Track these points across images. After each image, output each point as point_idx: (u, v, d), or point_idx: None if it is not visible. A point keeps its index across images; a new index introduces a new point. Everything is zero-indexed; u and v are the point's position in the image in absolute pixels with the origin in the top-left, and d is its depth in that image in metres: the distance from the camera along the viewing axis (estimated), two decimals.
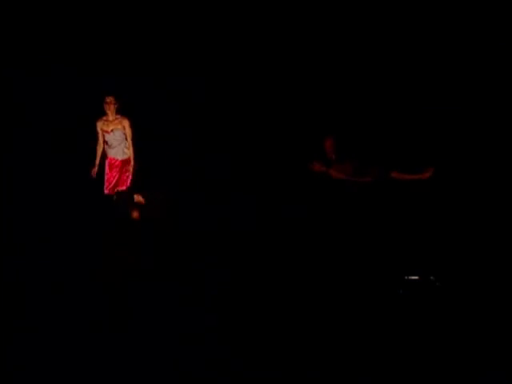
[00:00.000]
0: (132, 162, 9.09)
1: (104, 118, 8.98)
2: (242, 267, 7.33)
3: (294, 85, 9.91)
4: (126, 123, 8.96)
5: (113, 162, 9.07)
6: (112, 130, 8.93)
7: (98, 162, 9.02)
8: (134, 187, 9.01)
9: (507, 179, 8.76)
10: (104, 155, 9.12)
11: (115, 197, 9.12)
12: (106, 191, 9.11)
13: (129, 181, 9.13)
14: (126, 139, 9.03)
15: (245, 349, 5.56)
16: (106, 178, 9.10)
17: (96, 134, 9.02)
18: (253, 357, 5.43)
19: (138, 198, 9.16)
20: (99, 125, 8.99)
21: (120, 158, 9.11)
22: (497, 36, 9.26)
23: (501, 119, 9.32)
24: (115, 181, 9.09)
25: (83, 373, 5.19)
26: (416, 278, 7.07)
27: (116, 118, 8.94)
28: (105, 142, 9.07)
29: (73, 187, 9.05)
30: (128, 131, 8.98)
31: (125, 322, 6.04)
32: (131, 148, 9.09)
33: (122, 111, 8.93)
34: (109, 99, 8.89)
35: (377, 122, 9.70)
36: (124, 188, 9.13)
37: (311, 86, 9.90)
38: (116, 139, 9.00)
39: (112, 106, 8.87)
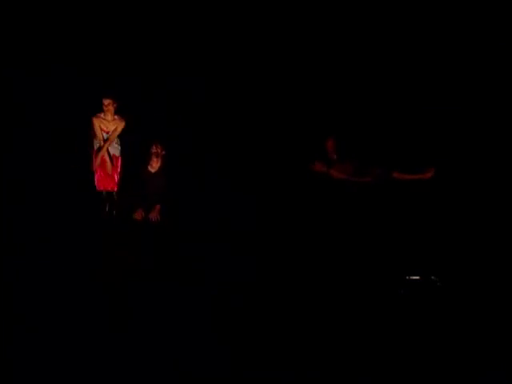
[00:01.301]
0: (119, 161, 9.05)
1: (102, 115, 8.85)
2: (242, 267, 7.26)
3: (295, 85, 9.85)
4: (120, 127, 8.86)
5: (103, 158, 8.97)
6: (108, 131, 8.87)
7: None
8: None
9: (508, 179, 8.75)
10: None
11: (104, 195, 9.09)
12: (97, 188, 9.02)
13: (117, 179, 9.07)
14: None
15: (245, 349, 5.55)
16: (96, 175, 8.97)
17: (92, 130, 8.92)
18: (253, 357, 5.43)
19: (153, 214, 8.91)
20: (97, 122, 8.88)
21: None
22: (496, 36, 9.26)
23: (502, 119, 9.25)
24: (104, 177, 9.00)
25: (83, 373, 5.17)
26: (417, 277, 7.09)
27: (114, 119, 8.88)
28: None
29: (72, 187, 8.97)
30: (118, 131, 8.87)
31: (125, 322, 6.02)
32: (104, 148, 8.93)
33: (120, 111, 8.87)
34: (107, 102, 8.78)
35: (378, 122, 9.61)
36: (114, 188, 9.06)
37: (312, 86, 9.81)
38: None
39: (111, 108, 8.78)
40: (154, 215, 8.88)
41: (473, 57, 9.41)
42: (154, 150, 9.12)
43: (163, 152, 9.17)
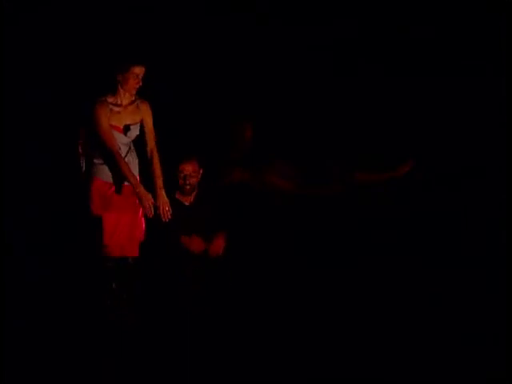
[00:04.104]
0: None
1: (110, 100, 5.35)
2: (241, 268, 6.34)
3: None
4: (148, 116, 5.51)
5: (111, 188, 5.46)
6: (126, 126, 5.42)
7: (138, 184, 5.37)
8: None
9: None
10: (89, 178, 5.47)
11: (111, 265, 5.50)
12: (106, 252, 5.43)
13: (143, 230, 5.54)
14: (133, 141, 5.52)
15: (245, 349, 5.42)
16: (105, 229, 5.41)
17: (99, 131, 5.33)
18: (252, 357, 5.29)
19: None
20: (103, 113, 5.30)
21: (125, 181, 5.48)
22: None
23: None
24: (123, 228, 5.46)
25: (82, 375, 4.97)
26: None
27: (132, 102, 5.43)
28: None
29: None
30: (149, 124, 5.51)
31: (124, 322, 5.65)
32: (156, 158, 5.46)
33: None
34: (139, 70, 5.33)
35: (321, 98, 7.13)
36: (134, 252, 5.52)
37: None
38: (126, 143, 5.46)
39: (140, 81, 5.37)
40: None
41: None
42: (186, 173, 6.01)
43: (201, 170, 6.08)
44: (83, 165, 5.53)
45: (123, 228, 5.44)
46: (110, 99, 5.38)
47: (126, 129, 5.43)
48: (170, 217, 5.52)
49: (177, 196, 6.11)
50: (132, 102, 5.43)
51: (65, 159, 6.36)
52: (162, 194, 5.48)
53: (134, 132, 5.46)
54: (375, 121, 7.18)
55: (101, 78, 5.70)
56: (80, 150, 5.54)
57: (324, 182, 6.76)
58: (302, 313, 6.18)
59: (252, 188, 6.61)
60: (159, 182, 5.48)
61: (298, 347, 5.56)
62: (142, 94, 5.60)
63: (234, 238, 6.19)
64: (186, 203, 6.17)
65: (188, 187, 6.06)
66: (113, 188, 5.43)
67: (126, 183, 5.44)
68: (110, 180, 5.44)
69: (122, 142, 5.41)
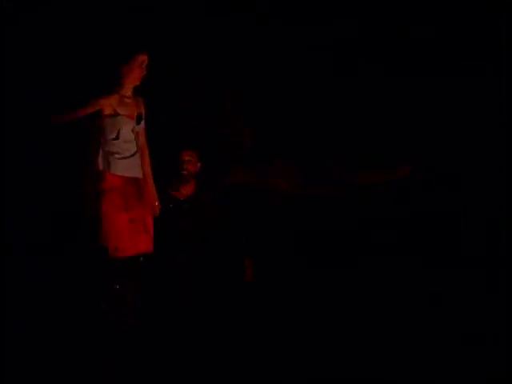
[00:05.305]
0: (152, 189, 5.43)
1: (120, 91, 5.29)
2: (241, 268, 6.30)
3: None
4: (142, 108, 5.41)
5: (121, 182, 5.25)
6: (138, 115, 5.40)
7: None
8: None
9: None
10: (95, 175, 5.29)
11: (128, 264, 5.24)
12: (114, 253, 5.16)
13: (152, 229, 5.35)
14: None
15: (245, 349, 5.50)
16: (108, 226, 5.18)
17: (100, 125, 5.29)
18: (252, 357, 5.38)
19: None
20: (107, 103, 5.21)
21: (138, 175, 5.34)
22: None
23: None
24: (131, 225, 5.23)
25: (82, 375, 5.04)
26: None
27: (133, 98, 5.37)
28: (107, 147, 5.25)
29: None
30: (142, 124, 5.39)
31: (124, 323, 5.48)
32: (147, 156, 5.42)
33: None
34: (143, 59, 5.31)
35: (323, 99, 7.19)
36: (149, 248, 5.31)
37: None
38: (133, 140, 5.33)
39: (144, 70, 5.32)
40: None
41: None
42: (184, 158, 5.74)
43: (198, 163, 5.80)
44: (100, 161, 5.32)
45: (139, 224, 5.29)
46: (120, 91, 5.30)
47: (139, 117, 5.39)
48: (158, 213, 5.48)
49: (171, 191, 5.99)
50: (133, 95, 5.39)
51: (65, 159, 6.32)
52: (154, 191, 5.45)
53: (142, 122, 5.39)
54: (375, 121, 7.15)
55: (101, 78, 5.67)
56: (96, 146, 5.36)
57: (324, 182, 6.74)
58: (302, 312, 6.21)
59: (252, 188, 6.57)
60: (151, 180, 5.44)
61: (298, 347, 5.59)
62: (143, 93, 5.59)
63: (233, 239, 6.14)
64: (181, 197, 6.02)
65: (185, 172, 5.93)
66: (130, 184, 5.29)
67: (138, 176, 5.35)
68: (128, 174, 5.31)
69: (129, 140, 5.33)
